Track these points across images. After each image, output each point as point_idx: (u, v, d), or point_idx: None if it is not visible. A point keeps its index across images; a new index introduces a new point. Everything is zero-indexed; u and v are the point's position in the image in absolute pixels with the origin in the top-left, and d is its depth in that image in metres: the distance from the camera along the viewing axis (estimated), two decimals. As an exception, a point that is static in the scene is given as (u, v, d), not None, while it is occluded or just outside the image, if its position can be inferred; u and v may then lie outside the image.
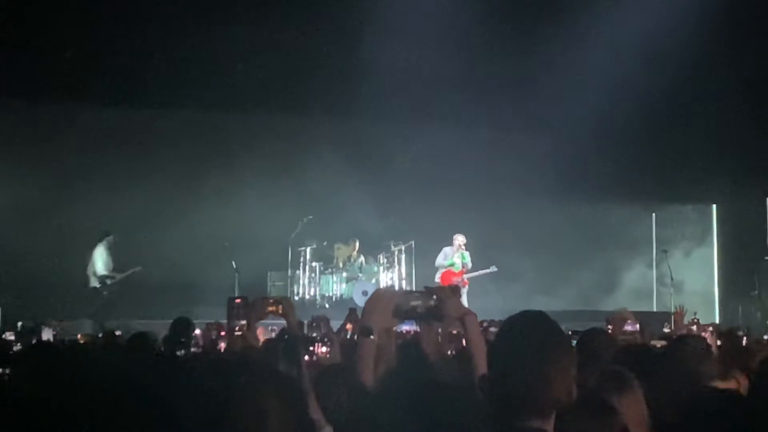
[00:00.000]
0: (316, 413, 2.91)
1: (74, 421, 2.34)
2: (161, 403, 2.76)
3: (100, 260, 14.00)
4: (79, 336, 8.40)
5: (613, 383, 3.22)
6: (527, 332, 2.45)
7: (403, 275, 16.73)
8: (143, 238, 14.83)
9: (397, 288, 15.35)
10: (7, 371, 4.28)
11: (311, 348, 4.81)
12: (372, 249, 16.87)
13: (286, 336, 4.01)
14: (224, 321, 5.62)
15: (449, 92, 15.18)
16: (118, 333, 7.79)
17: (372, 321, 3.13)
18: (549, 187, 16.94)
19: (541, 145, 17.24)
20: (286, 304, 4.20)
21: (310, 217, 16.18)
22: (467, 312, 3.26)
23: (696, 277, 18.11)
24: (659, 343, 5.73)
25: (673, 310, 13.06)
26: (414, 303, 3.20)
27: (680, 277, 16.26)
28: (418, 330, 3.73)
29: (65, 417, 2.32)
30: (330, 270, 16.74)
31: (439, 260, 14.82)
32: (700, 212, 19.63)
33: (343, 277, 16.62)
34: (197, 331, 7.06)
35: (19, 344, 6.86)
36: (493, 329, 6.43)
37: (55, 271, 14.60)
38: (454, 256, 14.75)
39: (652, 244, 18.45)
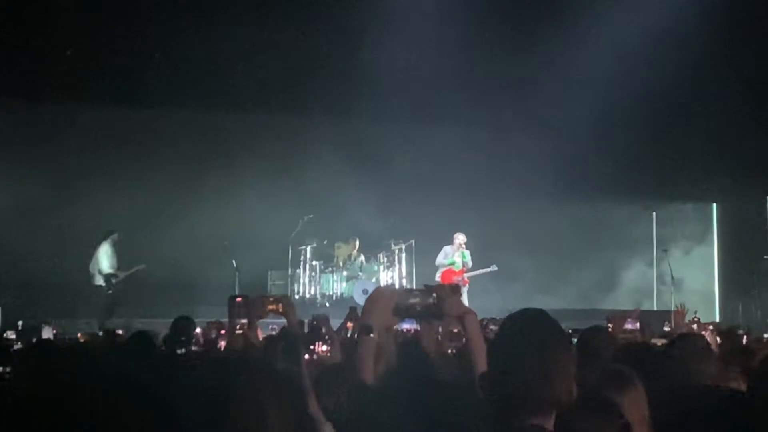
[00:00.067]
0: (315, 411, 2.91)
1: (74, 419, 2.34)
2: (161, 401, 2.77)
3: (105, 259, 14.01)
4: (79, 335, 8.41)
5: (614, 381, 3.21)
6: (527, 330, 2.45)
7: (404, 274, 16.74)
8: (144, 237, 14.85)
9: (397, 287, 15.35)
10: (8, 370, 4.29)
11: (311, 347, 4.82)
12: (372, 248, 16.88)
13: (286, 334, 4.02)
14: (225, 320, 5.63)
15: (449, 92, 15.16)
16: (119, 332, 7.81)
17: (372, 319, 3.13)
18: (549, 187, 16.94)
19: (541, 145, 17.24)
20: (286, 303, 4.20)
21: (311, 216, 16.20)
22: (467, 311, 3.26)
23: (696, 276, 18.13)
24: (659, 342, 5.73)
25: (673, 309, 13.08)
26: (413, 301, 3.20)
27: (680, 276, 16.26)
28: (419, 329, 3.73)
29: (65, 416, 2.32)
30: (330, 269, 16.76)
31: (440, 259, 14.83)
32: (700, 211, 19.65)
33: (344, 275, 16.63)
34: (197, 330, 7.07)
35: (19, 343, 6.87)
36: (492, 327, 6.43)
37: (55, 270, 14.61)
38: (455, 254, 14.76)
39: (652, 243, 18.46)
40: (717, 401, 2.94)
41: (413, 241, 16.63)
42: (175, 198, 15.96)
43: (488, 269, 15.08)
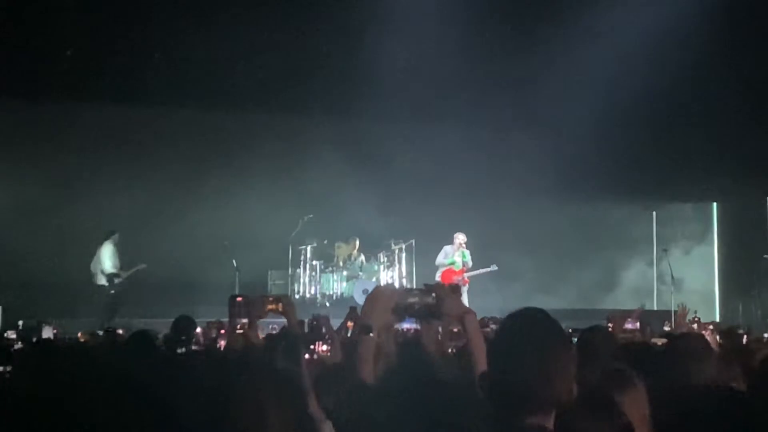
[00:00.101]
0: (315, 410, 2.91)
1: (74, 419, 2.34)
2: (161, 401, 2.77)
3: (107, 258, 14.03)
4: (79, 334, 8.41)
5: (615, 381, 3.22)
6: (527, 330, 2.45)
7: (404, 274, 16.73)
8: (144, 237, 14.84)
9: (397, 286, 15.34)
10: (8, 369, 4.29)
11: (312, 346, 4.82)
12: (372, 247, 16.88)
13: (286, 334, 4.02)
14: (225, 319, 5.63)
15: (449, 92, 15.18)
16: (119, 332, 7.81)
17: (371, 319, 3.13)
18: (549, 187, 16.94)
19: (541, 145, 17.23)
20: (286, 302, 4.21)
21: (311, 215, 16.20)
22: (466, 311, 3.25)
23: (696, 276, 18.12)
24: (660, 341, 5.73)
25: (673, 308, 13.08)
26: (412, 300, 3.20)
27: (680, 276, 16.26)
28: (419, 328, 3.73)
29: (65, 415, 2.32)
30: (330, 268, 16.76)
31: (440, 259, 14.83)
32: (700, 211, 19.64)
33: (344, 275, 16.63)
34: (198, 330, 7.07)
35: (19, 342, 6.87)
36: (493, 326, 6.43)
37: (55, 270, 14.62)
38: (455, 254, 14.76)
39: (652, 242, 18.45)
40: (717, 401, 2.94)
41: (413, 241, 16.63)
42: (175, 198, 15.97)
43: (488, 269, 15.07)
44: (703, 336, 4.72)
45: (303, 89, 15.56)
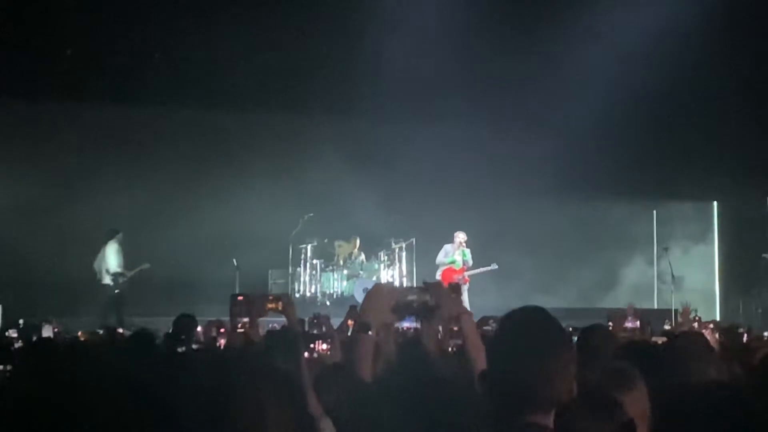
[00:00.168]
0: (315, 407, 2.91)
1: (74, 418, 2.34)
2: (161, 400, 2.77)
3: (113, 257, 14.04)
4: (79, 333, 8.41)
5: (616, 379, 3.21)
6: (526, 328, 2.45)
7: (404, 272, 16.74)
8: (144, 237, 14.84)
9: (397, 285, 15.35)
10: (8, 368, 4.29)
11: (312, 345, 4.82)
12: (373, 246, 16.88)
13: (286, 333, 4.01)
14: (225, 318, 5.63)
15: (450, 92, 15.17)
16: (120, 330, 7.80)
17: (370, 317, 3.13)
18: (549, 186, 16.95)
19: (542, 144, 17.24)
20: (286, 301, 4.21)
21: (311, 214, 16.20)
22: (462, 311, 3.25)
23: (697, 275, 18.11)
24: (660, 340, 5.73)
25: (674, 307, 13.09)
26: (411, 298, 3.20)
27: (681, 275, 16.25)
28: (419, 327, 3.73)
29: (65, 414, 2.32)
30: (331, 267, 16.77)
31: (440, 257, 14.81)
32: (700, 210, 19.63)
33: (344, 274, 16.64)
34: (198, 329, 7.07)
35: (20, 341, 6.87)
36: (493, 324, 6.42)
37: (55, 269, 14.62)
38: (455, 253, 14.74)
39: (652, 241, 18.45)
40: (717, 399, 2.93)
41: (414, 240, 16.64)
42: (175, 197, 15.96)
43: (489, 268, 15.06)
44: (702, 335, 4.72)
45: (303, 89, 15.56)
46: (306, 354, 4.10)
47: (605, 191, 17.80)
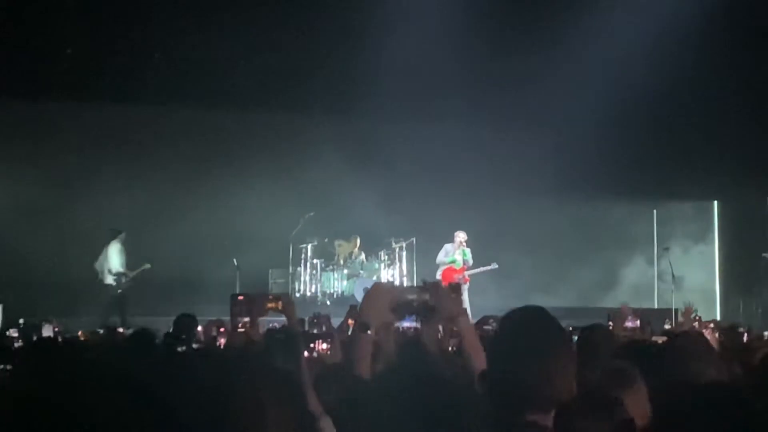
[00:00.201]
0: (315, 406, 2.91)
1: (74, 417, 2.33)
2: (160, 399, 2.76)
3: (115, 258, 14.06)
4: (80, 333, 8.41)
5: (616, 379, 3.21)
6: (526, 328, 2.45)
7: (404, 272, 16.75)
8: (144, 236, 14.86)
9: (397, 284, 15.35)
10: (8, 368, 4.29)
11: (311, 345, 4.81)
12: (373, 246, 16.89)
13: (286, 331, 4.01)
14: (225, 318, 5.63)
15: (450, 92, 15.17)
16: (120, 330, 7.80)
17: (369, 316, 3.13)
18: (549, 186, 16.96)
19: (542, 144, 17.25)
20: (286, 300, 4.21)
21: (311, 214, 16.21)
22: (459, 312, 3.23)
23: (697, 274, 18.11)
24: (660, 340, 5.72)
25: (674, 307, 13.07)
26: (410, 297, 3.19)
27: (681, 274, 16.25)
28: (419, 327, 3.73)
29: (64, 414, 2.32)
30: (331, 267, 16.77)
31: (440, 257, 14.80)
32: (701, 209, 19.62)
33: (344, 274, 16.64)
34: (199, 328, 7.06)
35: (20, 341, 6.88)
36: (493, 323, 6.42)
37: (56, 269, 14.63)
38: (455, 253, 14.73)
39: (653, 241, 18.44)
40: (716, 399, 2.93)
41: (414, 239, 16.64)
42: (175, 197, 15.97)
43: (489, 267, 15.05)
44: (702, 334, 4.72)
45: (303, 89, 15.56)
46: (306, 353, 4.10)
47: (605, 191, 17.80)
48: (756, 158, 15.79)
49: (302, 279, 16.82)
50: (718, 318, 15.76)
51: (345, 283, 16.58)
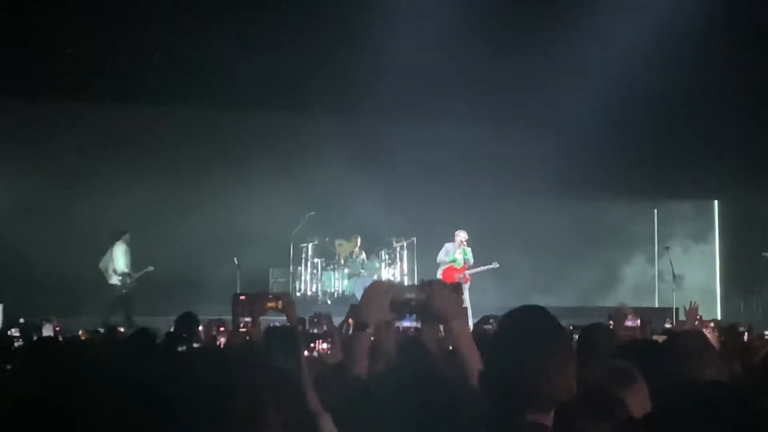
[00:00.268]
0: (315, 405, 2.91)
1: (74, 417, 2.33)
2: (160, 398, 2.76)
3: (121, 258, 14.06)
4: (80, 332, 8.41)
5: (616, 378, 3.21)
6: (526, 327, 2.45)
7: (405, 271, 16.74)
8: (145, 236, 14.85)
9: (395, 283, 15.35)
10: (8, 367, 4.29)
11: (312, 344, 4.81)
12: (374, 245, 16.88)
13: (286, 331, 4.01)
14: (225, 317, 5.63)
15: (450, 91, 15.18)
16: (121, 329, 7.80)
17: (368, 314, 3.13)
18: (550, 185, 16.97)
19: (542, 144, 17.25)
20: (286, 300, 4.21)
21: (312, 213, 16.21)
22: (455, 316, 3.20)
23: (697, 274, 18.11)
24: (660, 339, 5.72)
25: (674, 306, 13.07)
26: (409, 295, 3.18)
27: (682, 274, 16.26)
28: (419, 327, 3.72)
29: (65, 413, 2.32)
30: (332, 266, 16.76)
31: (441, 256, 14.79)
32: (701, 209, 19.63)
33: (345, 273, 16.64)
34: (200, 327, 7.05)
35: (20, 341, 6.88)
36: (493, 322, 6.42)
37: (56, 269, 14.63)
38: (456, 252, 14.72)
39: (653, 240, 18.45)
40: (717, 398, 2.93)
41: (414, 239, 16.64)
42: (176, 197, 15.97)
43: (490, 266, 15.05)
44: (702, 333, 4.71)
45: (303, 89, 15.57)
46: (306, 353, 4.11)
47: (605, 191, 17.80)
48: (756, 158, 15.80)
49: (303, 278, 16.82)
50: (719, 317, 15.76)
51: (345, 282, 16.58)
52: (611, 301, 15.96)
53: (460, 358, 3.09)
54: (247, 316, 4.55)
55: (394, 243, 16.68)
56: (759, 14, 13.65)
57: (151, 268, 14.21)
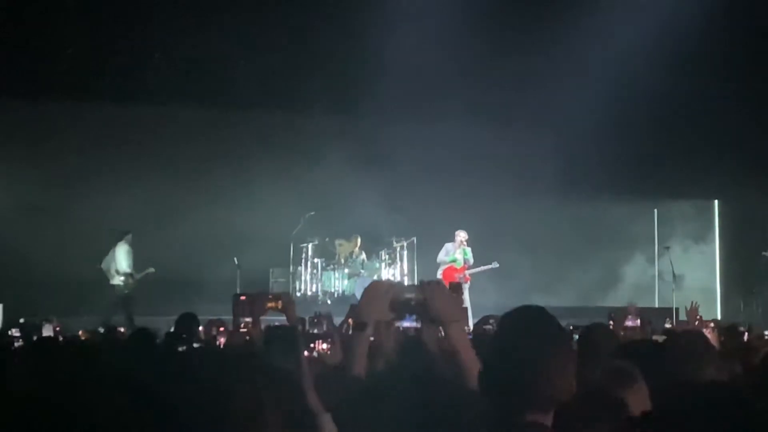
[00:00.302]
0: (315, 404, 2.91)
1: (74, 418, 2.33)
2: (160, 398, 2.77)
3: (123, 258, 14.05)
4: (80, 332, 8.41)
5: (617, 378, 3.21)
6: (526, 327, 2.45)
7: (405, 271, 16.74)
8: (145, 236, 14.85)
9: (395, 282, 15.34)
10: (8, 367, 4.28)
11: (312, 344, 4.81)
12: (374, 245, 16.88)
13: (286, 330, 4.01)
14: (225, 317, 5.63)
15: (450, 91, 15.18)
16: (121, 329, 7.80)
17: (368, 314, 3.12)
18: (550, 185, 16.97)
19: (543, 143, 17.25)
20: (286, 300, 4.21)
21: (312, 213, 16.20)
22: (453, 317, 3.19)
23: (697, 273, 18.11)
24: (660, 339, 5.72)
25: (674, 306, 13.08)
26: (409, 296, 3.18)
27: (682, 273, 16.26)
28: (419, 327, 3.72)
29: (65, 413, 2.32)
30: (332, 266, 16.76)
31: (441, 256, 14.78)
32: (701, 209, 19.63)
33: (345, 273, 16.63)
34: (200, 327, 7.05)
35: (21, 340, 6.88)
36: (493, 322, 6.41)
37: (56, 269, 14.63)
38: (456, 252, 14.72)
39: (653, 240, 18.45)
40: (717, 398, 2.93)
41: (414, 239, 16.64)
42: (175, 197, 15.96)
43: (490, 266, 15.04)
44: (702, 333, 4.71)
45: (303, 89, 15.55)
46: (306, 353, 4.10)
47: (605, 191, 17.80)
48: (756, 158, 15.80)
49: (303, 278, 16.82)
50: (719, 317, 15.75)
51: (346, 282, 16.57)
52: (611, 301, 16.00)
53: (459, 361, 3.09)
54: (247, 316, 4.56)
55: (394, 243, 16.67)
56: (759, 14, 13.66)
57: (152, 270, 14.21)
